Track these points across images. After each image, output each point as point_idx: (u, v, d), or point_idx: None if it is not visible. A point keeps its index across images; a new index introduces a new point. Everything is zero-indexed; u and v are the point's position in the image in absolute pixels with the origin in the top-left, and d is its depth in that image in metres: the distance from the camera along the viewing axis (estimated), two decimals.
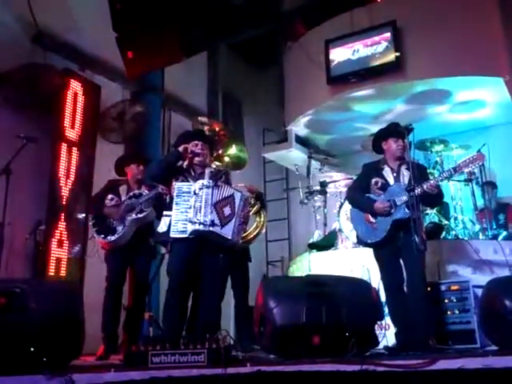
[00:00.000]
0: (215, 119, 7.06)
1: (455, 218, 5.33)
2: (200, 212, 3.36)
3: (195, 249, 3.41)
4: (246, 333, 4.09)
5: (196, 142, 3.67)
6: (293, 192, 7.61)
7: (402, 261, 3.63)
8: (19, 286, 2.56)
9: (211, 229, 3.36)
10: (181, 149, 3.63)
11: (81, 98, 5.36)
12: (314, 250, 5.27)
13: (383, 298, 3.64)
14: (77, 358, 2.71)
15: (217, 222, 3.38)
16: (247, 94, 8.31)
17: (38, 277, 4.71)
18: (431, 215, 5.13)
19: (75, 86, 5.32)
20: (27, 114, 4.99)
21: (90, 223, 4.29)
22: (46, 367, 2.20)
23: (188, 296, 3.55)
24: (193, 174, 3.63)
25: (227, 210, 3.45)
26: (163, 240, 3.67)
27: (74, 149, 5.24)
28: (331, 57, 6.31)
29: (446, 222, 5.16)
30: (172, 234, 3.40)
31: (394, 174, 3.77)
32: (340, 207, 5.23)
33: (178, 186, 3.48)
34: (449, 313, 3.88)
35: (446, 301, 3.92)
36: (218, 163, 4.51)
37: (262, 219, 4.62)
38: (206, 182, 3.46)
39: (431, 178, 3.89)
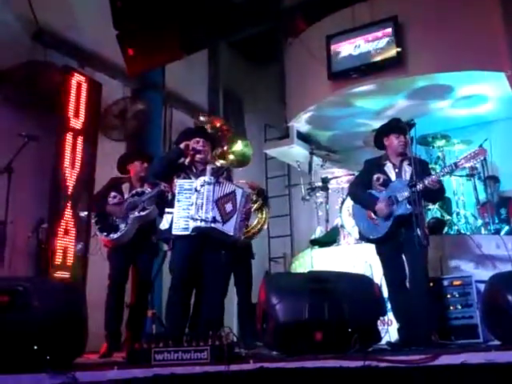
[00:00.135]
0: (215, 115, 7.06)
1: (457, 213, 5.33)
2: (202, 209, 3.36)
3: (197, 246, 3.41)
4: (248, 329, 4.10)
5: (197, 139, 3.67)
6: (295, 188, 7.60)
7: (404, 256, 3.63)
8: (22, 284, 2.56)
9: (213, 225, 3.36)
10: (182, 146, 3.63)
11: (84, 90, 5.38)
12: (316, 247, 5.27)
13: (386, 293, 3.64)
14: (80, 355, 2.71)
15: (218, 218, 3.38)
16: (248, 91, 8.30)
17: (40, 275, 4.72)
18: (433, 210, 5.13)
19: (79, 79, 5.35)
20: (28, 112, 4.99)
21: (93, 221, 4.29)
22: (49, 365, 2.21)
23: (191, 293, 3.56)
24: (194, 170, 3.63)
25: (229, 207, 3.45)
26: (165, 237, 3.67)
27: (79, 138, 5.27)
28: (332, 52, 6.30)
29: (449, 217, 5.15)
30: (174, 231, 3.41)
31: (396, 170, 3.76)
32: (342, 203, 5.22)
33: (179, 183, 3.49)
34: (451, 308, 3.88)
35: (449, 296, 3.91)
36: (222, 161, 4.51)
37: (264, 215, 4.62)
38: (207, 178, 3.46)
39: (433, 173, 3.88)
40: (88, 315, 2.77)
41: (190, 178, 3.53)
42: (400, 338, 3.57)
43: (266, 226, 4.70)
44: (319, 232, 5.66)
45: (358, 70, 6.16)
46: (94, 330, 2.99)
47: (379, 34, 6.08)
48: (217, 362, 2.43)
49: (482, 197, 5.50)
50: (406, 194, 3.56)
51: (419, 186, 3.51)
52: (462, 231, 5.03)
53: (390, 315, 3.73)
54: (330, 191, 5.71)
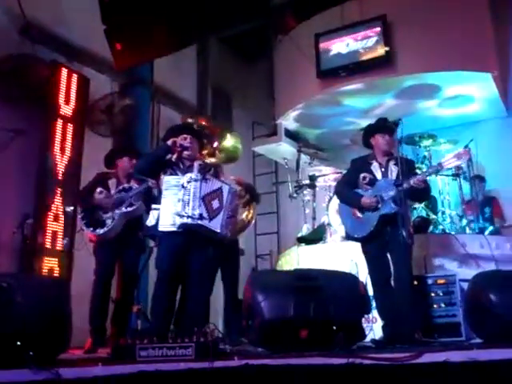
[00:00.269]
0: (200, 114, 7.06)
1: (443, 213, 5.38)
2: (188, 205, 3.36)
3: (184, 242, 3.41)
4: (234, 326, 4.11)
5: (185, 135, 3.66)
6: (282, 186, 7.61)
7: (389, 255, 3.66)
8: (6, 280, 2.54)
9: (199, 222, 3.36)
10: (169, 142, 3.62)
11: (72, 84, 5.36)
12: (303, 244, 5.29)
13: (371, 291, 3.67)
14: (64, 351, 2.70)
15: (205, 215, 3.38)
16: (237, 88, 8.28)
17: (25, 271, 4.67)
18: (419, 209, 5.17)
19: (66, 73, 5.33)
20: (14, 106, 4.93)
21: (79, 216, 4.26)
22: (33, 361, 2.19)
23: (176, 289, 3.55)
24: (181, 167, 3.62)
25: (215, 203, 3.45)
26: (152, 233, 3.66)
27: (69, 126, 5.26)
28: (321, 50, 6.31)
29: (434, 217, 5.20)
30: (160, 228, 3.40)
31: (382, 170, 3.79)
32: (329, 201, 5.25)
33: (166, 179, 3.48)
34: (435, 306, 3.92)
35: (433, 294, 3.95)
36: (212, 159, 4.51)
37: (251, 212, 4.63)
38: (194, 175, 3.45)
39: (419, 172, 3.92)
40: (72, 310, 2.76)
41: (177, 175, 3.53)
42: (384, 335, 3.61)
43: (252, 222, 4.70)
44: (306, 229, 5.68)
45: (346, 68, 6.18)
46: (79, 325, 2.98)
47: (368, 32, 6.10)
48: (201, 358, 2.43)
49: (468, 197, 5.56)
50: (392, 193, 3.59)
51: (405, 186, 3.55)
52: (447, 230, 5.09)
53: (375, 313, 3.77)
54: (317, 189, 5.72)
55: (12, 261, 4.81)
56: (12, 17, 5.13)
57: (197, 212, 3.35)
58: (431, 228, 5.05)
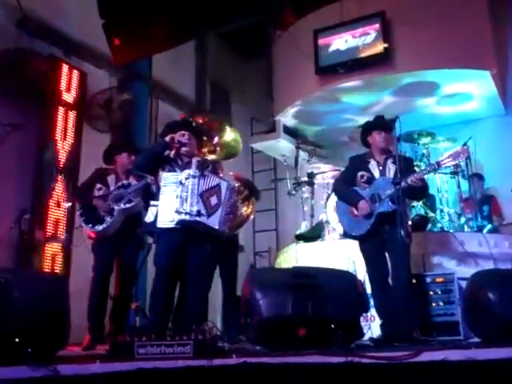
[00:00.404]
0: (199, 109, 7.04)
1: (441, 211, 5.38)
2: (186, 202, 3.35)
3: (182, 239, 3.40)
4: (232, 323, 4.10)
5: (183, 132, 3.64)
6: (281, 183, 7.60)
7: (387, 253, 3.66)
8: (3, 275, 2.52)
9: (197, 219, 3.35)
10: (168, 139, 3.61)
11: (75, 77, 5.38)
12: (301, 241, 5.29)
13: (369, 289, 3.67)
14: (62, 348, 2.69)
15: (203, 211, 3.37)
16: (235, 84, 8.26)
17: (22, 266, 4.66)
18: (417, 207, 5.17)
19: (64, 68, 5.32)
20: (11, 100, 4.89)
21: (78, 213, 4.25)
22: (31, 358, 2.18)
23: (175, 286, 3.55)
24: (180, 163, 3.61)
25: (214, 200, 3.44)
26: (150, 230, 3.65)
27: (71, 113, 5.28)
28: (320, 47, 6.29)
29: (432, 215, 5.20)
30: (159, 224, 3.39)
31: (380, 168, 3.78)
32: (327, 199, 5.24)
33: (164, 175, 3.48)
34: (433, 305, 3.92)
35: (431, 293, 3.95)
36: (212, 156, 4.49)
37: (250, 207, 4.62)
38: (192, 171, 3.44)
39: (417, 170, 3.92)
40: (71, 307, 2.75)
41: (176, 171, 3.52)
42: (382, 334, 3.61)
43: (251, 218, 4.69)
44: (304, 227, 5.68)
45: (345, 65, 6.16)
46: (77, 322, 2.97)
47: (367, 29, 6.09)
48: (200, 356, 2.42)
49: (466, 195, 5.57)
50: (389, 191, 3.58)
51: (403, 184, 3.54)
52: (446, 228, 5.09)
53: (373, 311, 3.77)
54: (315, 186, 5.72)
55: (9, 256, 4.79)
56: (9, 9, 5.09)
57: (195, 209, 3.34)
58: (429, 226, 5.05)
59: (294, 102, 6.74)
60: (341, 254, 4.50)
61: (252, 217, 4.71)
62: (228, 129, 4.74)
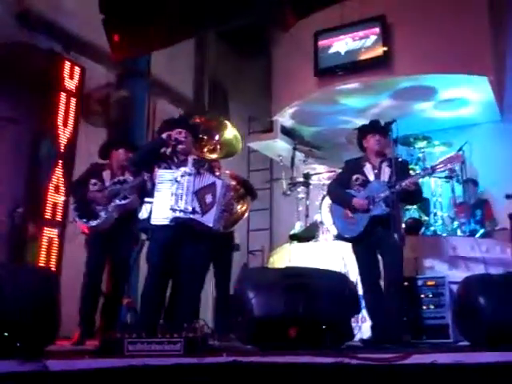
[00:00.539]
0: (196, 108, 7.03)
1: (435, 214, 5.40)
2: (181, 199, 3.35)
3: (175, 236, 3.40)
4: (224, 321, 4.11)
5: (179, 129, 3.64)
6: (276, 183, 7.60)
7: (379, 255, 3.67)
8: None
9: (192, 216, 3.35)
10: (164, 136, 3.61)
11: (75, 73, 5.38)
12: (295, 241, 5.30)
13: (361, 291, 3.68)
14: (52, 343, 2.68)
15: (198, 209, 3.38)
16: (234, 83, 8.25)
17: (14, 261, 4.64)
18: (411, 210, 5.19)
19: (64, 63, 5.33)
20: (8, 95, 4.87)
21: (72, 207, 4.24)
22: (20, 352, 2.18)
23: (167, 283, 3.55)
24: (176, 161, 3.61)
25: (209, 198, 3.45)
26: (144, 227, 3.65)
27: (72, 99, 5.30)
28: (320, 49, 6.31)
29: (426, 218, 5.22)
30: (153, 221, 3.40)
31: (375, 171, 3.79)
32: (322, 199, 5.25)
33: (160, 173, 3.48)
34: (424, 308, 3.95)
35: (422, 296, 3.98)
36: (213, 155, 4.49)
37: (245, 206, 4.62)
38: (187, 169, 3.45)
39: (412, 173, 3.93)
40: (63, 300, 2.74)
41: (171, 169, 3.52)
42: (373, 335, 3.62)
43: (246, 215, 4.69)
44: (299, 227, 5.69)
45: (344, 67, 6.19)
46: (69, 317, 2.96)
47: (367, 32, 6.11)
48: (190, 354, 2.42)
49: (460, 200, 5.59)
50: (383, 194, 3.59)
51: (397, 187, 3.55)
52: (438, 232, 5.11)
53: (364, 313, 3.78)
54: (311, 187, 5.73)
55: (1, 250, 4.78)
56: (8, 3, 5.07)
57: (189, 206, 3.35)
58: (423, 229, 5.07)
59: (293, 103, 6.75)
60: (334, 255, 4.51)
61: (246, 215, 4.71)
62: (229, 125, 4.72)
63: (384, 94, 6.39)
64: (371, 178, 3.78)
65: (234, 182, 4.53)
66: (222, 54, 8.14)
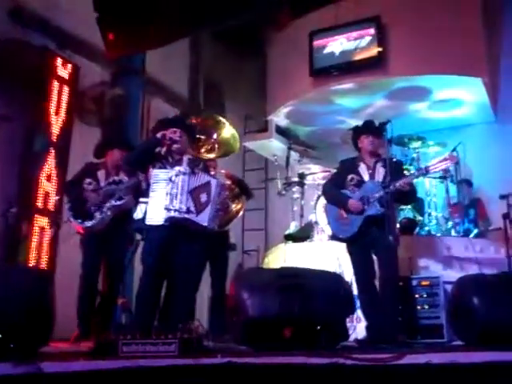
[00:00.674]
0: (191, 107, 7.01)
1: (429, 214, 5.42)
2: (176, 199, 3.34)
3: (170, 236, 3.39)
4: (219, 322, 4.10)
5: (174, 129, 3.63)
6: (271, 182, 7.60)
7: (374, 256, 3.68)
8: None
9: (186, 216, 3.35)
10: (159, 135, 3.60)
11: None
12: (290, 241, 5.30)
13: (356, 291, 3.69)
14: (46, 344, 2.67)
15: (192, 209, 3.37)
16: (229, 82, 8.23)
17: (8, 261, 4.61)
18: (406, 210, 5.21)
19: (57, 60, 5.27)
20: (1, 91, 4.84)
21: (66, 206, 4.22)
22: (14, 354, 2.16)
23: (161, 284, 3.54)
24: (170, 160, 3.60)
25: (203, 197, 3.44)
26: (138, 227, 3.63)
27: (65, 87, 5.24)
28: (315, 49, 6.31)
29: (420, 218, 5.24)
30: (147, 221, 3.39)
31: (370, 171, 3.80)
32: (317, 199, 5.26)
33: (155, 172, 3.47)
34: (419, 307, 3.96)
35: (417, 296, 3.99)
36: (210, 155, 4.47)
37: (240, 205, 4.62)
38: (182, 168, 3.44)
39: (407, 173, 3.94)
40: (58, 302, 2.73)
41: (166, 168, 3.51)
42: (368, 335, 3.63)
43: (240, 214, 4.68)
44: (294, 227, 5.69)
45: (339, 68, 6.19)
46: (64, 317, 2.95)
47: (361, 33, 6.11)
48: (185, 355, 2.42)
49: (454, 200, 5.62)
50: (378, 194, 3.60)
51: (391, 187, 3.56)
52: (433, 232, 5.13)
53: (359, 313, 3.79)
54: (306, 187, 5.73)
55: None
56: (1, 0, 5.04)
57: (184, 206, 3.34)
58: (417, 229, 5.09)
59: (288, 103, 6.75)
60: (329, 255, 4.52)
61: (241, 214, 4.70)
62: (227, 124, 4.71)
63: (379, 95, 6.40)
64: (366, 178, 3.79)
65: (229, 182, 4.52)
66: (217, 53, 8.12)
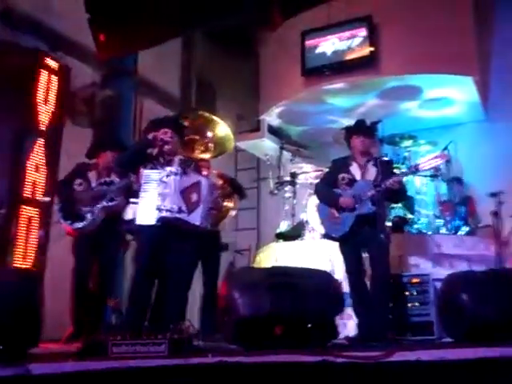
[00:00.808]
0: (183, 106, 7.00)
1: (419, 213, 5.45)
2: (167, 199, 3.35)
3: (162, 236, 3.39)
4: (211, 321, 4.10)
5: (165, 129, 3.63)
6: (263, 182, 7.61)
7: (366, 253, 3.70)
8: None
9: (178, 216, 3.35)
10: (150, 136, 3.60)
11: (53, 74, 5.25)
12: (281, 240, 5.31)
13: (346, 289, 3.71)
14: (35, 345, 2.66)
15: (184, 208, 3.38)
16: (221, 82, 8.23)
17: None
18: (396, 209, 5.23)
19: (47, 62, 5.18)
20: None
21: (56, 207, 4.20)
22: (2, 356, 2.16)
23: (152, 284, 3.53)
24: (162, 161, 3.60)
25: (194, 197, 3.45)
26: (130, 227, 3.64)
27: (54, 77, 5.14)
28: (307, 48, 6.32)
29: (411, 216, 5.27)
30: (139, 222, 3.39)
31: (362, 171, 3.82)
32: (308, 198, 5.27)
33: (146, 173, 3.47)
34: (409, 305, 3.99)
35: (407, 293, 4.02)
36: (205, 155, 4.47)
37: (232, 204, 4.62)
38: (173, 169, 3.44)
39: (397, 172, 3.97)
40: (48, 303, 2.72)
41: (157, 169, 3.51)
42: (359, 333, 3.65)
43: (232, 213, 4.68)
44: (285, 226, 5.70)
45: (331, 67, 6.20)
46: (55, 319, 2.94)
47: (353, 32, 6.13)
48: (174, 355, 2.42)
49: (445, 197, 5.65)
50: (369, 193, 3.62)
51: (382, 186, 3.58)
52: (423, 230, 5.16)
53: (350, 310, 3.81)
54: (297, 186, 5.75)
55: None
56: None
57: (175, 206, 3.34)
58: (407, 227, 5.11)
59: (280, 102, 6.76)
60: (320, 254, 4.54)
61: (234, 213, 4.71)
62: (221, 123, 4.72)
63: (370, 94, 6.42)
64: (358, 177, 3.81)
65: (220, 181, 4.53)
66: (209, 53, 8.11)
